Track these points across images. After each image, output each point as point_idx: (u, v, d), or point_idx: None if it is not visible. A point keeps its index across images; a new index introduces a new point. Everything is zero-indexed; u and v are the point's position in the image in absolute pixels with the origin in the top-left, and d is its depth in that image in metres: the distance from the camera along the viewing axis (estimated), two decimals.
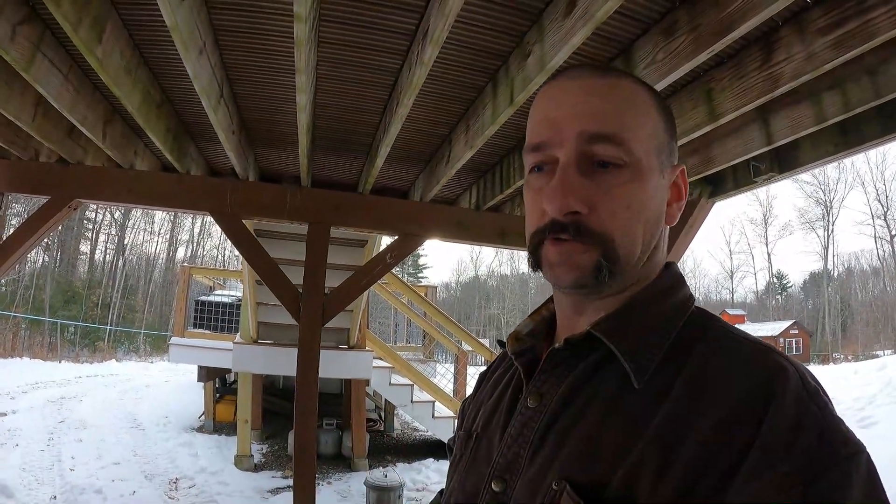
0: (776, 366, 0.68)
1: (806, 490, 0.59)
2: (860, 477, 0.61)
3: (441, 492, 1.17)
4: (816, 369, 20.13)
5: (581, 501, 0.68)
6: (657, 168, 0.82)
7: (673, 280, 0.86)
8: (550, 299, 0.95)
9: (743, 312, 51.21)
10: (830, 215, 53.01)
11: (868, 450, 0.64)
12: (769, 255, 61.00)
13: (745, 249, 71.87)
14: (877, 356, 28.62)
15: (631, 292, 0.83)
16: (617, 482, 0.67)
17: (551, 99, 0.83)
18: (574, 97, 0.81)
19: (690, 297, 0.85)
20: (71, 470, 7.77)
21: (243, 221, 4.75)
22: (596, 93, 0.80)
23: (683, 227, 4.66)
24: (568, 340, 0.82)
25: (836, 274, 55.28)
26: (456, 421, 1.08)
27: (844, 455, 0.62)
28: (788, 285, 63.04)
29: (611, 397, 0.75)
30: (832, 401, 0.68)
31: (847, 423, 0.66)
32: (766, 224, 60.58)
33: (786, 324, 43.48)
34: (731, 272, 64.72)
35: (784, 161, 3.87)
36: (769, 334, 40.01)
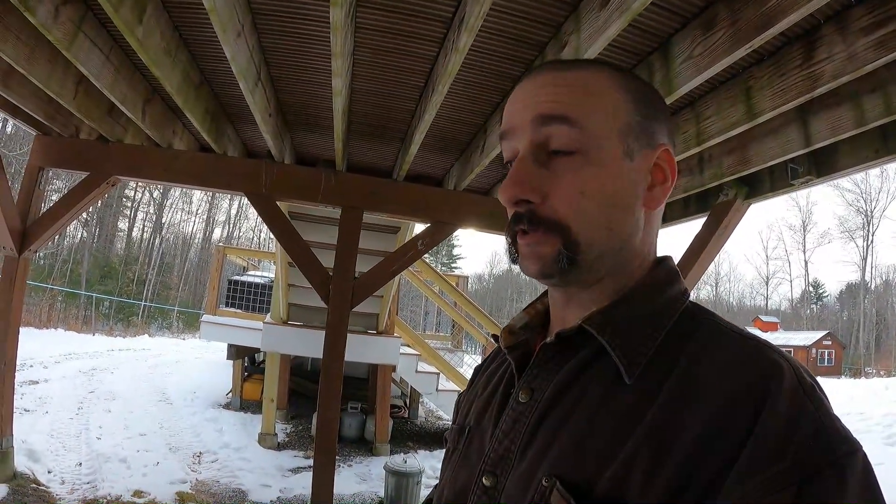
0: (771, 362, 0.67)
1: (801, 489, 0.58)
2: (856, 476, 0.60)
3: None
4: (848, 383, 19.73)
5: (571, 498, 0.67)
6: (621, 151, 0.80)
7: (666, 274, 0.84)
8: (546, 293, 0.94)
9: (776, 320, 50.20)
10: (871, 225, 51.75)
11: (864, 448, 0.63)
12: (806, 262, 59.73)
13: (781, 255, 70.84)
14: None
15: (623, 285, 0.82)
16: (607, 480, 0.66)
17: (514, 95, 0.85)
18: (532, 89, 0.82)
19: (685, 292, 0.84)
20: (98, 438, 7.90)
21: (277, 203, 4.80)
22: (552, 83, 0.81)
23: (717, 228, 4.60)
24: (559, 335, 0.81)
25: (873, 286, 53.90)
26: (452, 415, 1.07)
27: (841, 454, 0.60)
28: (824, 295, 61.83)
29: (602, 393, 0.74)
30: (829, 399, 0.67)
31: (847, 425, 0.65)
32: (804, 231, 59.36)
33: (819, 334, 42.48)
34: (767, 278, 63.68)
35: (822, 165, 3.79)
36: (801, 344, 39.24)
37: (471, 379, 1.10)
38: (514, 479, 0.76)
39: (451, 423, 1.05)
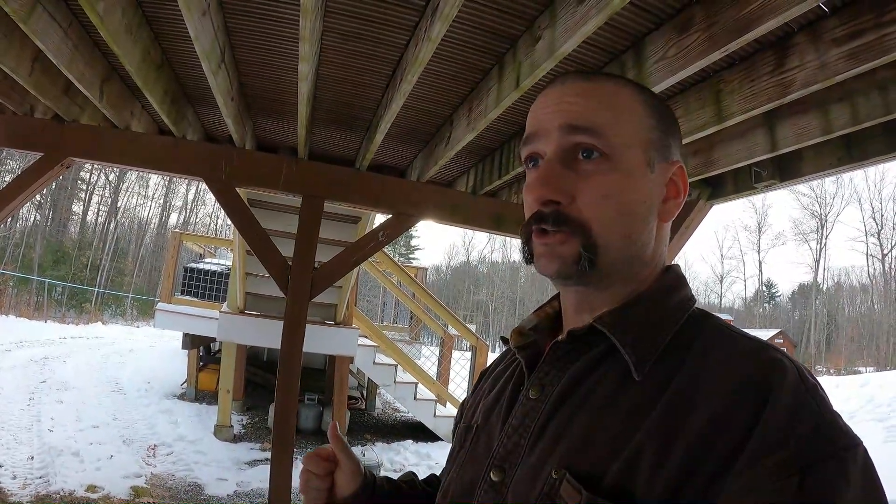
0: (774, 360, 0.70)
1: (802, 479, 0.60)
2: (857, 469, 0.62)
3: (410, 472, 1.25)
4: None
5: (581, 489, 0.69)
6: (643, 162, 0.84)
7: (675, 280, 0.88)
8: (556, 297, 0.98)
9: (730, 318, 51.14)
10: (824, 229, 53.15)
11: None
12: (760, 262, 61.02)
13: (736, 255, 72.36)
14: (859, 372, 28.88)
15: (633, 290, 0.86)
16: (615, 471, 0.69)
17: (541, 101, 0.89)
18: (559, 97, 0.86)
19: (692, 297, 0.87)
20: (49, 431, 7.71)
21: (237, 190, 4.70)
22: (578, 93, 0.85)
23: (680, 227, 4.64)
24: (571, 333, 0.84)
25: (825, 287, 55.44)
26: (454, 419, 1.12)
27: (841, 446, 0.63)
28: (777, 295, 63.30)
29: (611, 389, 0.77)
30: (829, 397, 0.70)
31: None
32: (759, 232, 60.59)
33: (771, 332, 43.51)
34: (722, 277, 64.83)
35: (786, 170, 3.85)
36: None
37: (475, 383, 1.13)
38: (522, 472, 0.79)
39: (453, 426, 1.09)
